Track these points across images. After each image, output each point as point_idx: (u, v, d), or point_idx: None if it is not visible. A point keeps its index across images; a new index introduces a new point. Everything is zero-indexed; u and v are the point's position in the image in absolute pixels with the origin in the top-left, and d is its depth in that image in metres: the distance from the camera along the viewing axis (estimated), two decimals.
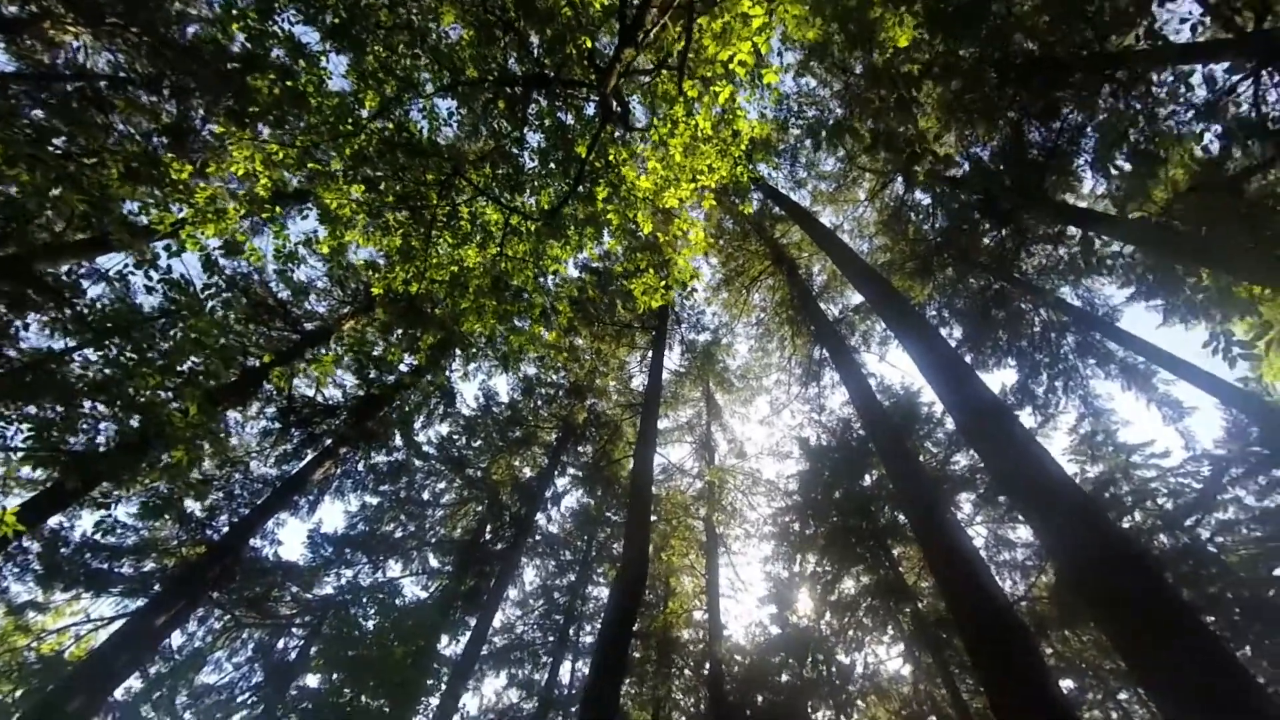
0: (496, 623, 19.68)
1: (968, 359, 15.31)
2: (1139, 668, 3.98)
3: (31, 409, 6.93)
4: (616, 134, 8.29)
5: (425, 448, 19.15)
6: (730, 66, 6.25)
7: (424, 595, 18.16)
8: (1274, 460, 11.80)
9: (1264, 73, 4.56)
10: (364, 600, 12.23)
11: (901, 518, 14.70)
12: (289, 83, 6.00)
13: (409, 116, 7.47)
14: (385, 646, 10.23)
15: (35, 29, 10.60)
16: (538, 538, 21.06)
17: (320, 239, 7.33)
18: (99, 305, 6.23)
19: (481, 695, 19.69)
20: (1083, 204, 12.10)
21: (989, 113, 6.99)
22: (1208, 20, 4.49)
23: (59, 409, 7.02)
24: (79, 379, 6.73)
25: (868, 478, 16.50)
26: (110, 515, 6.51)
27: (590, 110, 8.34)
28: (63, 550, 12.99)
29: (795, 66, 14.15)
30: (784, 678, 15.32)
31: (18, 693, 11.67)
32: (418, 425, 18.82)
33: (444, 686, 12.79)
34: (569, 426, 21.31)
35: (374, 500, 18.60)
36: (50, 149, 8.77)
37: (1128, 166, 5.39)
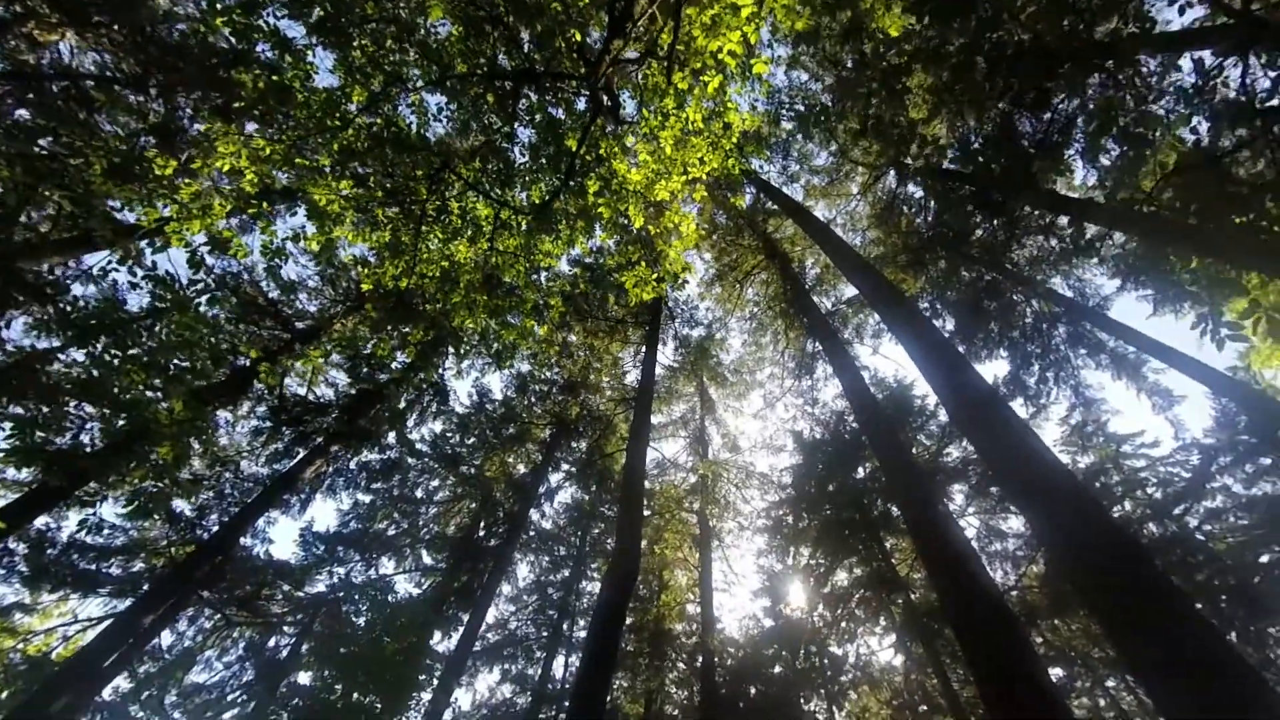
0: (490, 618, 19.69)
1: (960, 350, 15.38)
2: (1130, 653, 4.00)
3: (16, 409, 6.84)
4: (608, 128, 8.24)
5: (419, 445, 19.11)
6: (720, 57, 6.22)
7: (417, 592, 18.15)
8: (1262, 448, 11.94)
9: (1250, 53, 4.58)
10: (356, 597, 12.19)
11: (894, 510, 14.79)
12: (275, 77, 5.92)
13: (397, 111, 7.40)
14: (377, 643, 10.21)
15: (20, 30, 10.43)
16: (531, 533, 21.06)
17: (309, 235, 7.26)
18: (82, 303, 6.14)
19: (475, 691, 19.76)
20: (1074, 195, 12.17)
21: (979, 101, 7.00)
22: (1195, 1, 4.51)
23: (43, 408, 6.93)
24: (63, 377, 6.64)
25: (861, 470, 16.57)
26: (95, 513, 6.43)
27: (581, 105, 8.29)
28: (50, 551, 12.86)
29: (786, 60, 14.14)
30: (777, 669, 15.41)
31: (2, 694, 11.57)
32: (411, 423, 18.77)
33: (436, 682, 12.79)
34: (563, 423, 21.28)
35: (366, 498, 18.55)
36: (36, 148, 8.65)
37: (1116, 151, 5.41)
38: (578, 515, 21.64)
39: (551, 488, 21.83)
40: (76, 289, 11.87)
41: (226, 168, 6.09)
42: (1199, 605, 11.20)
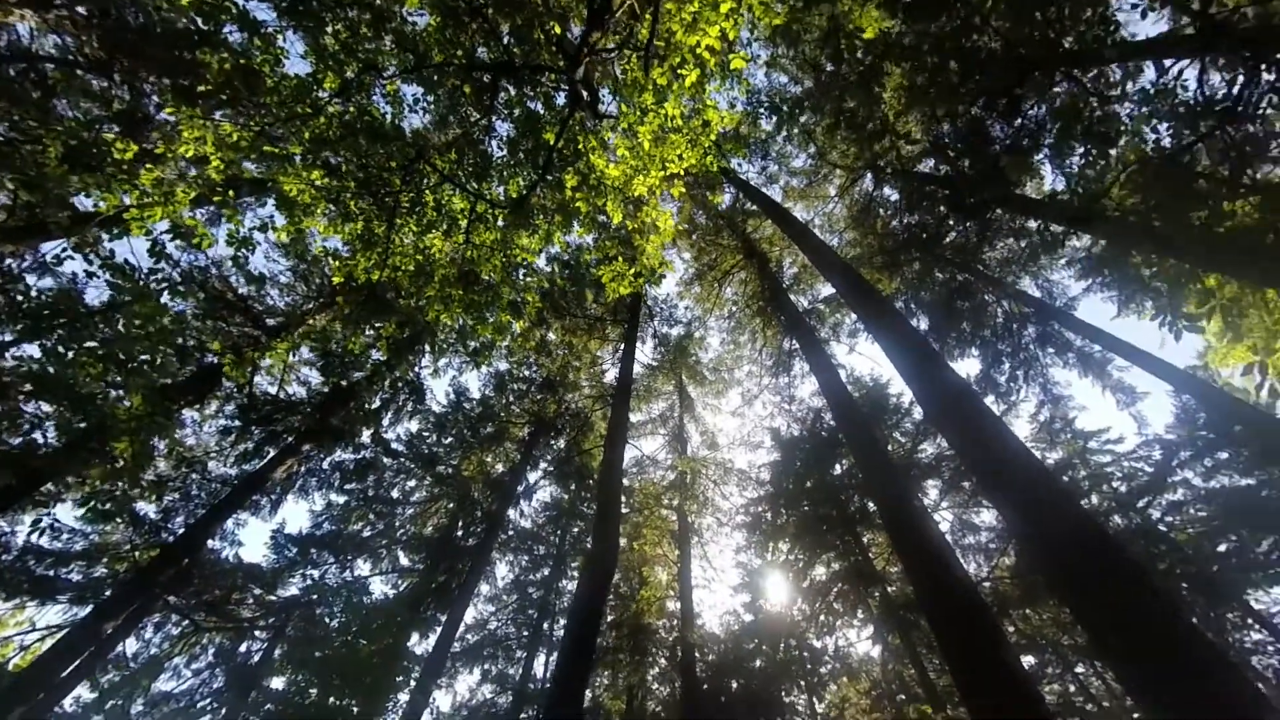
0: (469, 619, 19.48)
1: (935, 347, 15.65)
2: (1101, 639, 4.09)
3: None
4: (586, 122, 8.18)
5: (395, 445, 18.78)
6: (698, 52, 6.22)
7: (394, 593, 17.83)
8: (1220, 443, 12.38)
9: (1207, 58, 4.74)
10: (330, 600, 11.93)
11: (871, 505, 14.99)
12: (242, 60, 5.73)
13: (372, 100, 7.23)
14: (352, 645, 9.99)
15: None
16: (510, 533, 20.88)
17: (278, 226, 7.05)
18: (35, 293, 5.87)
19: (455, 692, 19.49)
20: (1043, 200, 12.46)
21: (951, 100, 7.12)
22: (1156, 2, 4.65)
23: None
24: (13, 371, 6.34)
25: (838, 467, 16.77)
26: (50, 514, 6.16)
27: (560, 99, 8.21)
28: (4, 557, 12.33)
29: (765, 61, 14.23)
30: (757, 663, 15.51)
31: None
32: (386, 422, 18.43)
33: (414, 684, 12.57)
34: (541, 421, 21.13)
35: (340, 499, 18.18)
36: None
37: (1081, 149, 5.56)
38: (557, 513, 21.52)
39: (530, 486, 21.66)
40: (30, 279, 11.39)
41: (191, 153, 5.88)
42: None
